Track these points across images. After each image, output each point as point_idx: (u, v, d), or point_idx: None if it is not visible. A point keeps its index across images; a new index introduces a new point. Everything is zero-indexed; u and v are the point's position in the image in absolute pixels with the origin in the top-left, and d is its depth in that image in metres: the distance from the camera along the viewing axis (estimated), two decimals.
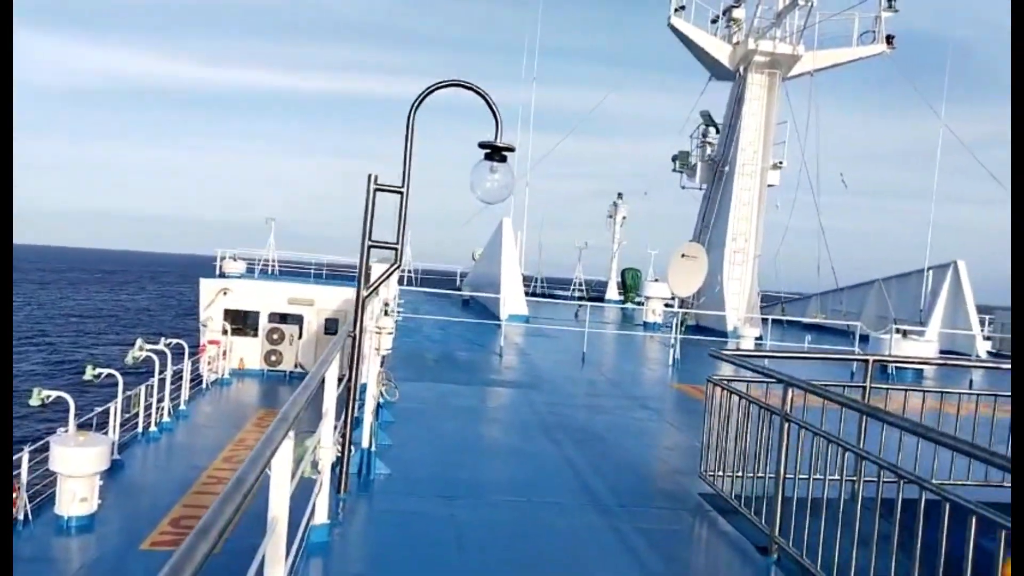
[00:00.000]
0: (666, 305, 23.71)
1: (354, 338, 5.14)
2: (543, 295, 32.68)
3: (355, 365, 5.22)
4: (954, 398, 7.40)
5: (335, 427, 4.77)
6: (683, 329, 18.52)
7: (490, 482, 6.37)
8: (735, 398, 6.03)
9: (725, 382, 6.36)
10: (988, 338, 23.93)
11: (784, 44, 23.37)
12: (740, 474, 5.92)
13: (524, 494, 6.05)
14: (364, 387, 6.45)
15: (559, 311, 25.51)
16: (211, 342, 20.28)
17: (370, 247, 5.05)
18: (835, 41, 23.75)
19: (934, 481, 6.30)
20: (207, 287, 22.07)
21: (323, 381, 4.13)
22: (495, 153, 5.00)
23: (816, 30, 23.38)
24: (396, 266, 5.16)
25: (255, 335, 21.93)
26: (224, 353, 20.33)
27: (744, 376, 6.47)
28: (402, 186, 5.02)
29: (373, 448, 6.05)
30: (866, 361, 6.95)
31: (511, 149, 5.09)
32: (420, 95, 4.92)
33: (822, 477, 4.86)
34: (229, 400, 18.95)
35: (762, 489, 5.41)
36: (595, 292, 34.18)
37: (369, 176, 4.92)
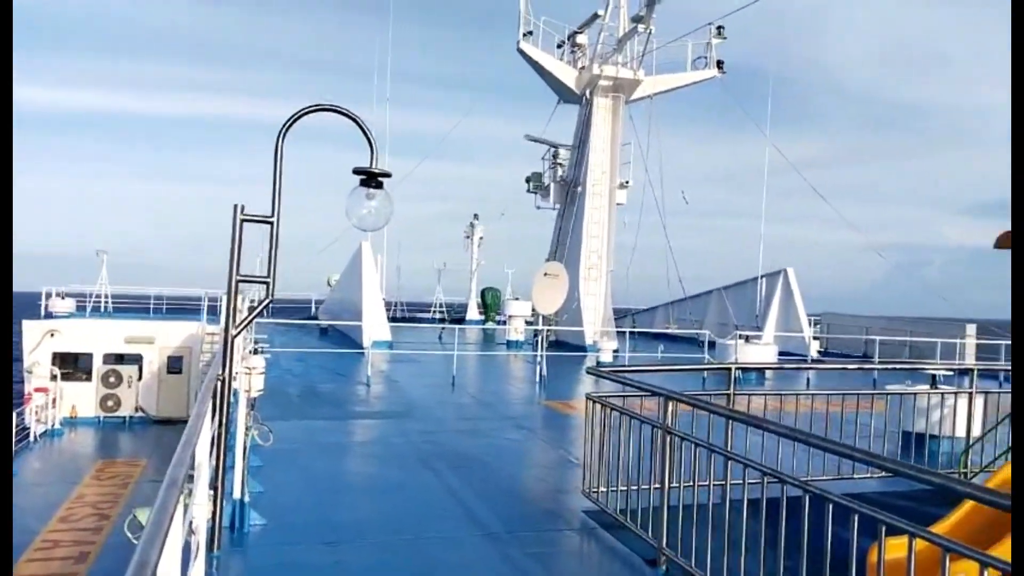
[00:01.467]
0: (527, 322, 24.09)
1: (223, 381, 4.77)
2: (404, 319, 32.25)
3: (224, 410, 4.85)
4: (791, 396, 7.95)
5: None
6: (545, 346, 18.87)
7: (373, 521, 6.11)
8: (614, 413, 6.15)
9: (604, 398, 6.48)
10: (817, 338, 26.15)
11: (626, 69, 24.59)
12: (623, 488, 6.03)
13: (411, 531, 5.85)
14: (232, 432, 6.01)
15: (422, 335, 25.24)
16: (38, 390, 18.38)
17: (238, 282, 4.72)
18: (673, 67, 25.30)
19: (800, 478, 6.72)
20: (31, 329, 20.00)
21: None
22: (371, 179, 4.83)
23: (654, 56, 24.81)
24: (268, 301, 4.86)
25: (88, 379, 20.10)
26: (53, 401, 18.46)
27: (618, 390, 6.62)
28: (272, 215, 4.74)
29: (245, 498, 5.63)
30: (729, 369, 7.34)
31: (387, 175, 4.95)
32: (289, 120, 4.68)
33: (705, 484, 5.03)
34: (62, 453, 17.19)
35: (646, 501, 5.53)
36: (456, 313, 34.14)
37: (235, 206, 4.61)
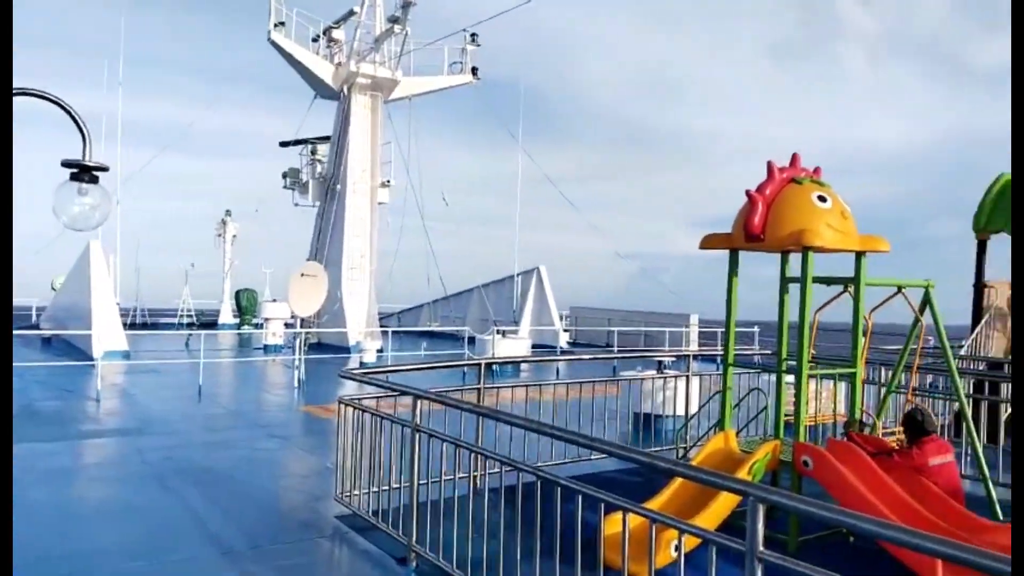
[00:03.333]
0: (286, 325, 23.17)
1: None
2: (145, 326, 29.48)
3: None
4: (545, 386, 8.52)
5: None
6: (306, 348, 18.28)
7: (101, 552, 5.52)
8: (366, 415, 6.14)
9: (356, 400, 6.44)
10: (567, 331, 28.07)
11: (384, 68, 24.54)
12: (376, 489, 6.05)
13: (145, 557, 5.38)
14: None
15: (167, 342, 23.25)
16: None
17: None
18: (431, 70, 25.70)
19: (540, 464, 7.17)
20: None
21: None
22: (84, 173, 4.36)
23: (412, 58, 25.02)
24: None
25: None
26: None
27: (374, 392, 6.62)
28: None
29: None
30: (479, 365, 7.63)
31: (103, 169, 4.50)
32: None
33: (458, 478, 5.20)
34: None
35: (398, 500, 5.60)
36: (208, 317, 31.82)
37: None
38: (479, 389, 7.41)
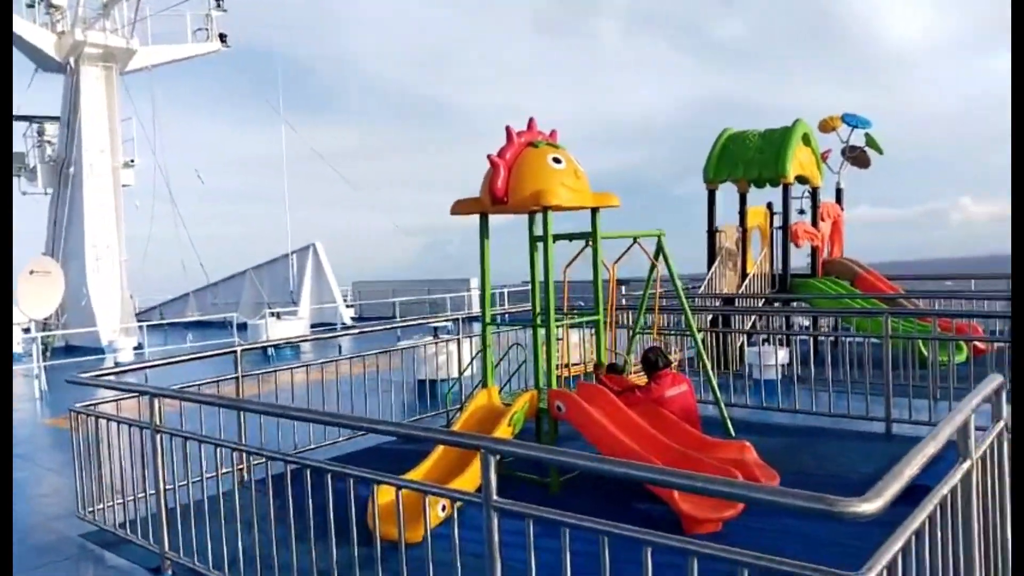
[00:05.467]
0: (24, 331, 20.49)
1: None
2: None
3: None
4: (329, 364, 8.28)
5: None
6: (49, 354, 16.32)
7: None
8: (103, 422, 5.61)
9: (91, 407, 5.86)
10: (350, 306, 27.56)
11: (117, 36, 22.12)
12: (121, 500, 5.57)
13: None
14: None
15: None
16: None
17: None
18: (175, 37, 23.54)
19: (316, 445, 6.99)
20: None
21: None
22: None
23: (149, 24, 22.79)
24: None
25: None
26: None
27: (117, 395, 6.07)
28: None
29: None
30: (235, 352, 7.24)
31: None
32: None
33: (211, 476, 4.90)
34: None
35: (148, 509, 5.19)
36: None
37: None
38: (237, 378, 7.04)
